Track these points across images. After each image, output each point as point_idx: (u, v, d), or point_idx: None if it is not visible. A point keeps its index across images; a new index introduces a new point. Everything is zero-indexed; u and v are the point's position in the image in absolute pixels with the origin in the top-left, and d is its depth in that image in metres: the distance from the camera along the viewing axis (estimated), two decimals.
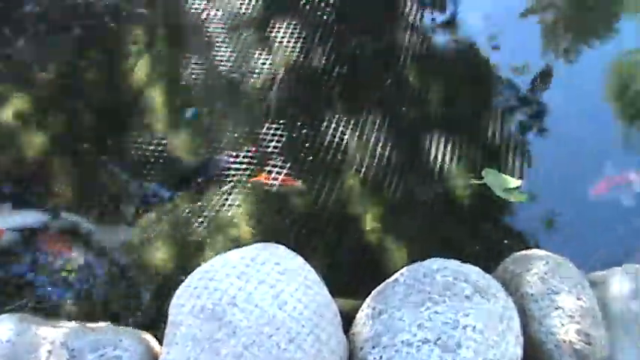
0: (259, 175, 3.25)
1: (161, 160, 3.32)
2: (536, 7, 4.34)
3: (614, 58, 4.06)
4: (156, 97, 3.61)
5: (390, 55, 3.81)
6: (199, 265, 2.30)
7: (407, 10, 4.07)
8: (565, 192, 3.36)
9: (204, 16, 3.97)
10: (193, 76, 3.67)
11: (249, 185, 3.21)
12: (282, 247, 2.35)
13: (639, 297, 2.48)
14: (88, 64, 3.80)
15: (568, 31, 4.28)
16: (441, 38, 4.04)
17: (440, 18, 4.17)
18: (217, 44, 3.82)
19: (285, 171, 3.25)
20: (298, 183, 3.23)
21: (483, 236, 3.13)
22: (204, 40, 3.85)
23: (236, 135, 3.40)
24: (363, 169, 3.29)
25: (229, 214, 3.11)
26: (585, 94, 3.82)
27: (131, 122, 3.51)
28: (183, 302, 2.18)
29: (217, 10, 4.00)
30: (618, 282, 2.55)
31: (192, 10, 4.00)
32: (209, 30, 3.90)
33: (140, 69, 3.74)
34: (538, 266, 2.50)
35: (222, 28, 3.90)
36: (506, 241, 3.11)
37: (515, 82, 3.82)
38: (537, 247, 2.98)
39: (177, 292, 2.22)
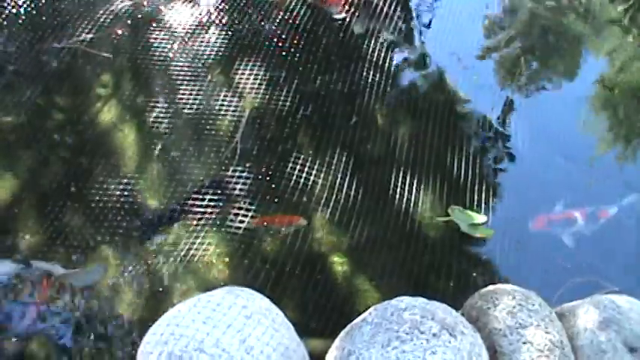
0: (259, 220, 3.25)
1: (128, 204, 3.29)
2: (501, 44, 4.42)
3: (578, 93, 4.15)
4: (123, 140, 3.60)
5: (356, 94, 3.85)
6: (167, 310, 2.28)
7: (372, 48, 4.11)
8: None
9: (170, 57, 3.99)
10: (160, 119, 3.67)
11: (251, 228, 3.21)
12: (248, 290, 2.34)
13: (608, 328, 2.49)
14: (54, 107, 3.79)
15: (532, 67, 4.35)
16: (406, 76, 4.09)
17: (406, 56, 4.23)
18: (183, 86, 3.82)
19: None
20: (302, 221, 3.24)
21: (451, 273, 3.13)
22: (170, 82, 3.86)
23: (202, 178, 3.40)
24: (331, 209, 3.30)
25: (197, 257, 3.09)
26: (550, 129, 3.89)
27: (99, 165, 3.48)
28: (150, 349, 2.15)
29: (183, 52, 4.02)
30: (586, 314, 2.56)
31: (158, 53, 4.01)
32: (175, 72, 3.91)
33: (107, 112, 3.73)
34: (505, 301, 2.51)
35: (188, 70, 3.91)
36: (474, 275, 3.13)
37: (480, 118, 3.87)
38: (505, 281, 2.98)
39: (145, 338, 2.19)
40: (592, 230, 3.34)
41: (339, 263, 3.13)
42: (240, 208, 3.25)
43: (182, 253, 3.10)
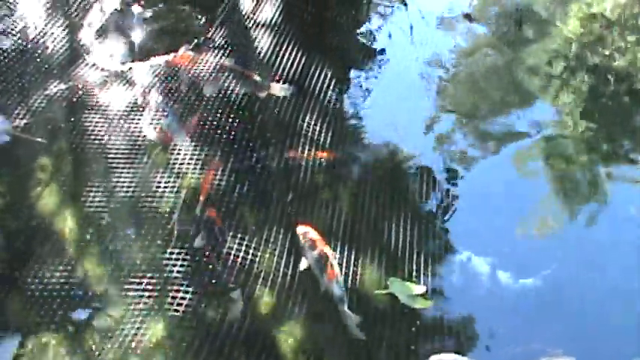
0: None
1: (68, 289, 3.25)
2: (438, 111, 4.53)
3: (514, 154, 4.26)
4: (61, 224, 3.57)
5: (292, 169, 3.88)
6: None
7: (307, 123, 4.17)
8: (472, 292, 3.44)
9: (106, 140, 3.98)
10: (97, 203, 3.64)
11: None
12: None
13: None
14: None
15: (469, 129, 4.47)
16: (344, 147, 4.13)
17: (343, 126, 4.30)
18: (119, 168, 3.81)
19: None
20: None
21: (392, 344, 3.13)
22: (106, 165, 3.85)
23: (139, 262, 3.36)
24: (270, 285, 3.29)
25: (139, 340, 3.05)
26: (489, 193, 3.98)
27: (38, 250, 3.45)
28: None
29: (118, 134, 4.01)
30: None
31: (94, 137, 4.00)
32: (111, 155, 3.90)
33: (45, 197, 3.70)
34: None
35: (124, 152, 3.90)
36: (415, 346, 3.13)
37: (418, 188, 3.92)
38: (448, 350, 3.00)
39: None
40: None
41: (280, 339, 3.11)
42: (177, 290, 3.21)
43: (124, 337, 3.06)
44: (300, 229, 3.46)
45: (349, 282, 3.30)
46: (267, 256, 3.41)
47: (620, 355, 3.13)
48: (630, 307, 3.36)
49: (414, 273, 3.38)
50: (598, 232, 3.79)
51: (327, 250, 3.35)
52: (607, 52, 4.96)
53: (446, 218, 3.78)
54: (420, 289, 3.29)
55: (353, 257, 3.43)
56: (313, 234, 3.42)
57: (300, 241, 3.42)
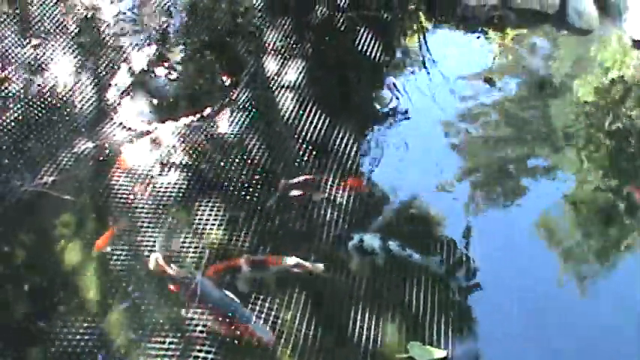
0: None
1: (91, 346, 3.28)
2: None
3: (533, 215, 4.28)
4: (85, 281, 3.61)
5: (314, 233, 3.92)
6: None
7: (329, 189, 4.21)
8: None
9: (131, 197, 4.04)
10: (121, 261, 3.68)
11: None
12: None
13: None
14: (17, 247, 3.82)
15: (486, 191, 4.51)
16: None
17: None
18: (144, 227, 3.86)
19: None
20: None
21: None
22: (131, 223, 3.90)
23: (162, 320, 3.39)
24: (291, 348, 3.29)
25: None
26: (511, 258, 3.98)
27: (62, 306, 3.51)
28: None
29: (144, 193, 4.08)
30: None
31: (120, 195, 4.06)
32: (136, 213, 3.95)
33: (69, 253, 3.76)
34: None
35: (149, 210, 3.96)
36: None
37: (437, 250, 3.95)
38: None
39: None
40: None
41: None
42: (200, 350, 3.23)
43: None
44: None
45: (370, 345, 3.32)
46: (290, 318, 3.42)
47: None
48: None
49: (435, 337, 3.39)
50: None
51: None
52: (626, 115, 5.03)
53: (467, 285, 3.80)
54: (440, 353, 3.29)
55: (374, 320, 3.44)
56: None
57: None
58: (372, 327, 3.41)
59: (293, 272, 3.67)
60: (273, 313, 3.42)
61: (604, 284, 3.93)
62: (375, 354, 3.29)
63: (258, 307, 3.43)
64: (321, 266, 3.68)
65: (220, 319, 3.35)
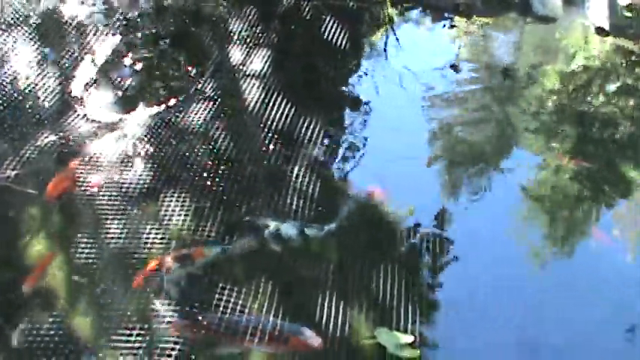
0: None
1: (57, 340, 3.20)
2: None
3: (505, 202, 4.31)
4: (51, 275, 3.57)
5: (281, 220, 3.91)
6: None
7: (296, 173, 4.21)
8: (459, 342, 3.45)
9: (94, 190, 4.00)
10: (87, 254, 3.64)
11: None
12: None
13: None
14: None
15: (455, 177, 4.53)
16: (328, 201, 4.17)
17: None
18: (109, 220, 3.82)
19: None
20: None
21: None
22: (96, 216, 3.86)
23: (129, 312, 3.35)
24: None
25: None
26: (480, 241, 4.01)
27: (28, 301, 3.45)
28: None
29: (109, 185, 4.03)
30: None
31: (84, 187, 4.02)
32: (101, 205, 3.91)
33: (34, 248, 3.72)
34: None
35: (114, 202, 3.92)
36: None
37: (405, 236, 3.96)
38: None
39: None
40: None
41: None
42: (167, 342, 3.20)
43: None
44: None
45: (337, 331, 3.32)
46: (258, 307, 3.39)
47: None
48: None
49: (402, 322, 3.39)
50: None
51: None
52: (589, 100, 5.09)
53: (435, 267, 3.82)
54: (407, 338, 3.29)
55: (341, 306, 3.42)
56: None
57: None
58: (340, 314, 3.40)
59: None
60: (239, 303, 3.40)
61: (567, 263, 4.00)
62: (342, 341, 3.28)
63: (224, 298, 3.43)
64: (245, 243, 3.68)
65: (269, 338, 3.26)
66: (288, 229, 3.83)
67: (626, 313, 3.61)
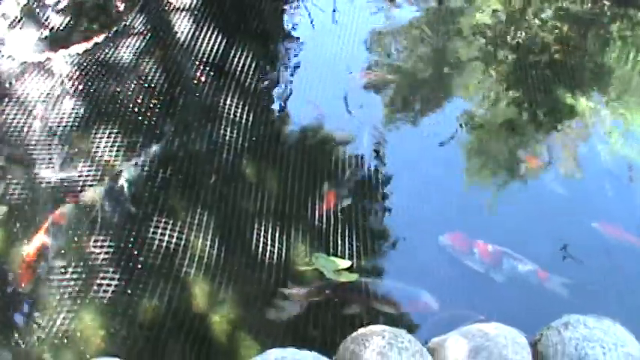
0: None
1: None
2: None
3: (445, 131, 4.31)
4: None
5: (215, 152, 3.88)
6: None
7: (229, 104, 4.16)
8: (396, 264, 3.48)
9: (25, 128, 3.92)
10: (17, 193, 3.58)
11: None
12: None
13: (477, 356, 2.57)
14: None
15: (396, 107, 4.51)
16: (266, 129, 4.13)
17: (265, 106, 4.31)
18: (40, 157, 3.76)
19: None
20: None
21: (322, 320, 3.16)
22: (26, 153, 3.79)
23: (64, 250, 3.32)
24: (196, 269, 3.27)
25: (68, 330, 3.01)
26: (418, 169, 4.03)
27: None
28: None
29: (38, 122, 3.95)
30: (456, 344, 2.65)
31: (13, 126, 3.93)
32: (31, 143, 3.84)
33: None
34: (376, 341, 2.57)
35: (45, 140, 3.85)
36: (345, 320, 3.15)
37: (343, 162, 3.94)
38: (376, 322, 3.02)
39: None
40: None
41: (213, 322, 3.10)
42: (104, 278, 3.18)
43: (52, 328, 3.02)
44: None
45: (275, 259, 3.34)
46: (193, 240, 3.40)
47: None
48: None
49: (339, 247, 3.42)
50: None
51: None
52: (527, 27, 5.11)
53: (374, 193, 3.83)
54: (345, 263, 3.32)
55: (278, 234, 3.44)
56: None
57: None
58: (276, 242, 3.42)
59: None
60: (175, 236, 3.39)
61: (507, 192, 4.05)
62: (279, 267, 3.31)
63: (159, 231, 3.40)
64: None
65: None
66: None
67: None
